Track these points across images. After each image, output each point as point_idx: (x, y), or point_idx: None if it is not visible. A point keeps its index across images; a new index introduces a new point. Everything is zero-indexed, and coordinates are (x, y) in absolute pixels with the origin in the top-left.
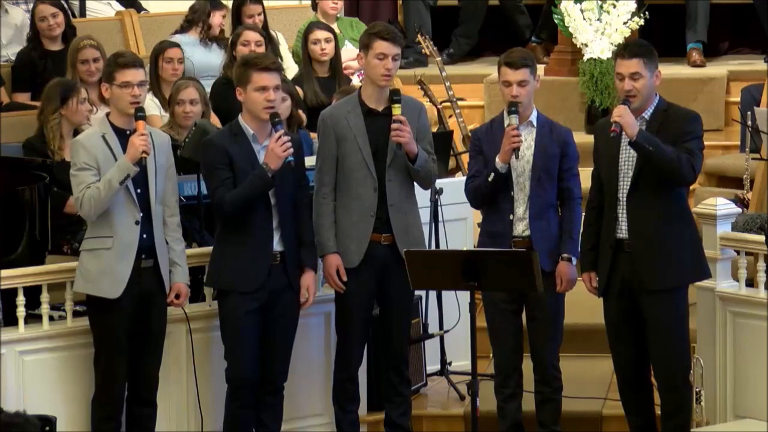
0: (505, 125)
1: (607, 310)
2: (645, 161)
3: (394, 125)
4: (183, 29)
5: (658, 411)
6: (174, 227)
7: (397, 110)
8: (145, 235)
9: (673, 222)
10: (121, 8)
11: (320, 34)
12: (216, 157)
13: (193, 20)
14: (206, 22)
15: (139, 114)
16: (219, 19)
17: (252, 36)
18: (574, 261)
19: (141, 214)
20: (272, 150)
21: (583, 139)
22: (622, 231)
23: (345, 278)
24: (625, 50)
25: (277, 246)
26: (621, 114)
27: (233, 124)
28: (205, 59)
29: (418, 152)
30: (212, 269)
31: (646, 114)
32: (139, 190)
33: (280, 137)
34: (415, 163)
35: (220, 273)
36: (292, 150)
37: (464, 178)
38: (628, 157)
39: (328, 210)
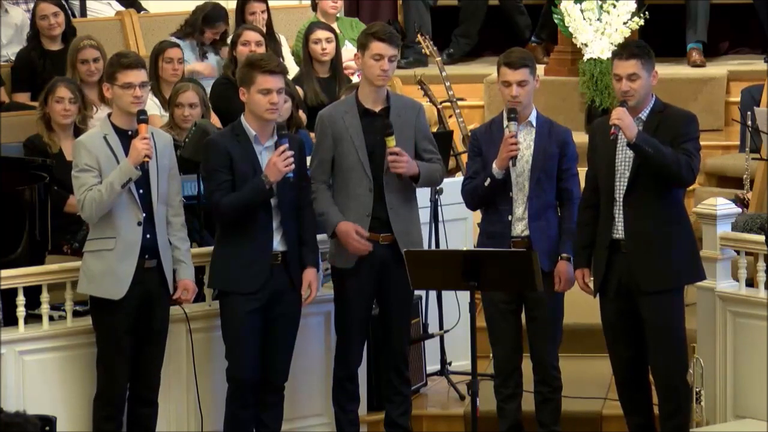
0: (505, 130)
1: (604, 311)
2: (643, 163)
3: (390, 158)
4: (179, 37)
5: (657, 411)
6: (178, 227)
7: (391, 142)
8: (148, 236)
9: (670, 223)
10: (121, 8)
11: (321, 33)
12: (216, 158)
13: (187, 33)
14: (199, 39)
15: (142, 117)
16: (210, 36)
17: (252, 36)
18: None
19: (144, 215)
20: (274, 164)
21: (583, 139)
22: (619, 231)
23: (366, 234)
24: (622, 51)
25: (278, 246)
26: (620, 116)
27: (235, 125)
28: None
29: (420, 170)
30: (213, 270)
31: (643, 115)
32: (141, 191)
33: (283, 151)
34: (418, 182)
35: (220, 274)
36: (293, 166)
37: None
38: (625, 158)
39: (324, 194)
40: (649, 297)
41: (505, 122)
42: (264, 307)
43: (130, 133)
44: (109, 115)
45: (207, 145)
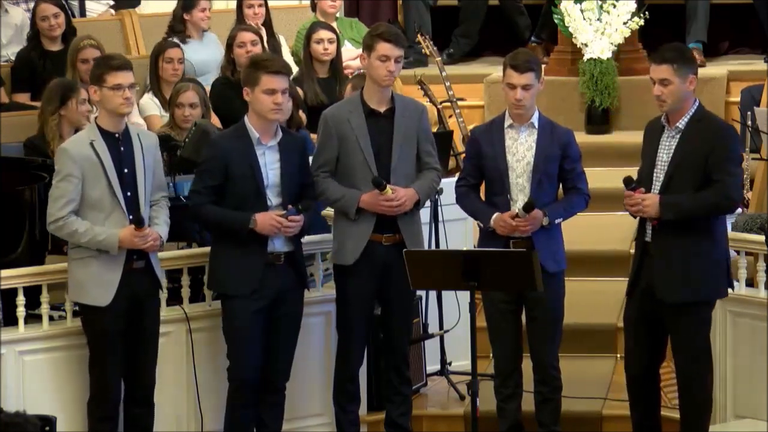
0: (517, 212)
1: (628, 309)
2: (679, 167)
3: (389, 203)
4: (170, 35)
5: (664, 412)
6: (163, 205)
7: (388, 192)
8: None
9: (697, 235)
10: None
11: (324, 33)
12: (211, 161)
13: (174, 28)
14: (185, 26)
15: (139, 226)
16: (199, 14)
17: (247, 37)
18: (546, 222)
19: (131, 217)
20: (274, 224)
21: (583, 139)
22: (648, 235)
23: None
24: (656, 54)
25: (282, 247)
26: (645, 212)
27: (239, 126)
28: (200, 56)
29: (420, 196)
30: (211, 272)
31: (681, 123)
32: (128, 193)
33: (290, 220)
34: (421, 205)
35: (218, 276)
36: (294, 232)
37: None
38: (661, 161)
39: (333, 183)
40: (670, 306)
41: (519, 206)
42: (269, 306)
43: (117, 135)
44: (95, 119)
45: (208, 144)
